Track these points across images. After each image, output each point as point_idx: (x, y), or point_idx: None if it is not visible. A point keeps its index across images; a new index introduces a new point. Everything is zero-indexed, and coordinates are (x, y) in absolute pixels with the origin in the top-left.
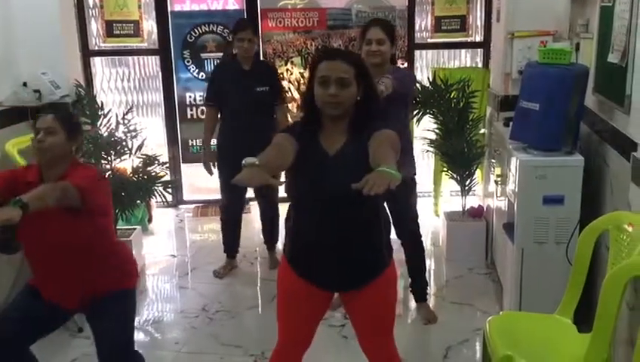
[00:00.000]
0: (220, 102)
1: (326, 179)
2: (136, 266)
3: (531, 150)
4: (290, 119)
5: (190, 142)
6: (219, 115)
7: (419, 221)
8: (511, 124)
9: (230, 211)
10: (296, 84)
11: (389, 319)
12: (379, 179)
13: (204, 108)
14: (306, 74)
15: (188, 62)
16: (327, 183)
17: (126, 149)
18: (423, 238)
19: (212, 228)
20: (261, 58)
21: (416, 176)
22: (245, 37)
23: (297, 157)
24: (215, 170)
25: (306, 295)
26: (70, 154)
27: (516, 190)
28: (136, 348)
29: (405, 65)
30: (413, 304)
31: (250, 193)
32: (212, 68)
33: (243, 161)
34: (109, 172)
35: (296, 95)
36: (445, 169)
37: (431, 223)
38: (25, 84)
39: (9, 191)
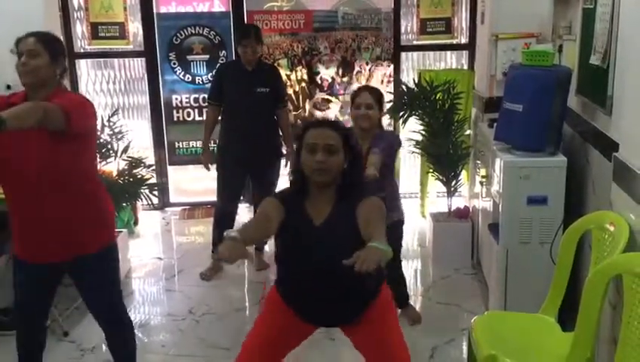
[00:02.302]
0: (221, 101)
1: (313, 250)
2: (114, 215)
3: (515, 151)
4: (291, 120)
5: (176, 145)
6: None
7: (401, 264)
8: (495, 125)
9: (224, 212)
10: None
11: (396, 342)
12: (370, 255)
13: (189, 110)
14: (293, 77)
15: (174, 64)
16: (314, 254)
17: (111, 152)
18: (404, 274)
19: (199, 231)
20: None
21: (404, 221)
22: (248, 44)
23: (283, 226)
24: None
25: (293, 327)
26: (55, 78)
27: (501, 190)
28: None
29: (391, 128)
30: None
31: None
32: (198, 70)
33: (224, 233)
34: None
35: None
36: (431, 170)
37: (417, 224)
38: (9, 87)
39: None
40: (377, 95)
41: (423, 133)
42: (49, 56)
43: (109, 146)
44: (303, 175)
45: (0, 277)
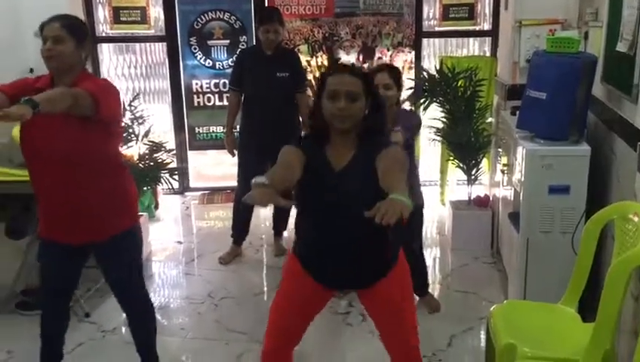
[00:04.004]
0: (242, 86)
1: (333, 195)
2: (137, 196)
3: (538, 139)
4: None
5: (197, 130)
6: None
7: (423, 251)
8: (518, 113)
9: (245, 208)
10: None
11: (408, 315)
12: (391, 207)
13: (210, 95)
14: (313, 62)
15: (195, 49)
16: (334, 199)
17: (133, 136)
18: (426, 260)
19: (218, 216)
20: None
21: (424, 205)
22: (271, 29)
23: (305, 172)
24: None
25: (311, 291)
26: (80, 63)
27: (522, 179)
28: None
29: (412, 108)
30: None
31: None
32: (218, 55)
33: (252, 180)
34: None
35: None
36: (452, 158)
37: (436, 212)
38: (31, 70)
39: (21, 96)
40: (395, 74)
41: (444, 120)
42: (74, 41)
43: (131, 130)
44: (323, 121)
45: (23, 259)
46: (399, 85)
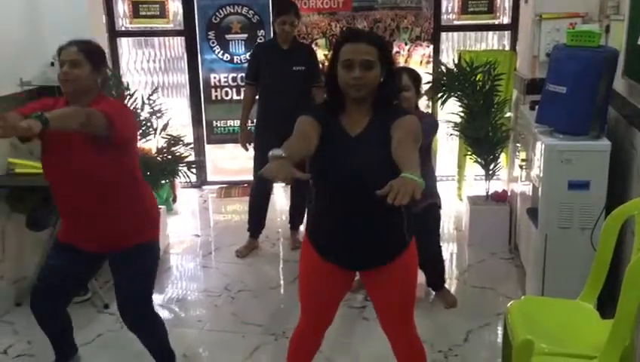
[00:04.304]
0: (258, 81)
1: (348, 161)
2: (159, 213)
3: (557, 134)
4: None
5: (214, 123)
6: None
7: (441, 249)
8: (537, 107)
9: (260, 190)
10: (320, 66)
11: (410, 298)
12: (403, 187)
13: (227, 89)
14: (330, 56)
15: (213, 43)
16: (349, 165)
17: (151, 129)
18: (444, 258)
19: (235, 209)
20: None
21: (440, 205)
22: (288, 20)
23: (320, 140)
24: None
25: (327, 273)
26: (96, 87)
27: (541, 175)
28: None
29: (430, 111)
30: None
31: None
32: (236, 49)
33: (269, 153)
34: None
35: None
36: (469, 153)
37: (454, 207)
38: (52, 64)
39: None
40: (414, 76)
41: (462, 115)
42: (90, 65)
43: (149, 124)
44: (338, 89)
45: (43, 251)
46: (418, 88)
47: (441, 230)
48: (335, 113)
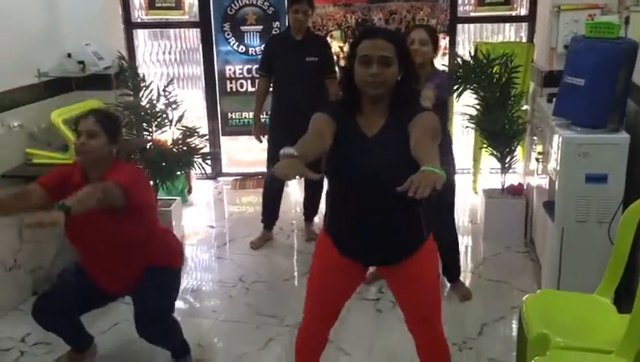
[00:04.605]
0: (271, 72)
1: (364, 162)
2: (182, 249)
3: (575, 127)
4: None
5: (229, 115)
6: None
7: (456, 226)
8: (555, 99)
9: (273, 182)
10: (335, 57)
11: (433, 295)
12: (424, 180)
13: (242, 81)
14: (346, 48)
15: (228, 35)
16: (365, 166)
17: (167, 121)
18: (458, 237)
19: (249, 201)
20: None
21: (455, 171)
22: (300, 9)
23: (335, 139)
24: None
25: (343, 268)
26: (111, 156)
27: (558, 168)
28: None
29: (445, 69)
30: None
31: None
32: (251, 41)
33: (281, 151)
34: (150, 143)
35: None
36: (485, 145)
37: (469, 200)
38: (69, 55)
39: (57, 189)
40: (432, 33)
41: (478, 107)
42: (107, 136)
43: (165, 115)
44: (355, 88)
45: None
46: (435, 45)
47: (455, 223)
48: (351, 112)
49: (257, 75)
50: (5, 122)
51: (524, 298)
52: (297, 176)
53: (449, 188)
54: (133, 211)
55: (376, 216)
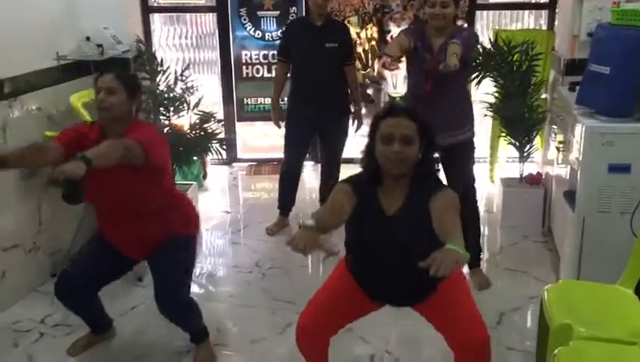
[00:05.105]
0: (290, 57)
1: (381, 240)
2: (197, 216)
3: (599, 116)
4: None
5: (245, 101)
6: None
7: (475, 186)
8: (577, 88)
9: (290, 168)
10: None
11: (465, 312)
12: (447, 259)
13: (259, 67)
14: (362, 34)
15: (244, 20)
16: (383, 243)
17: (184, 106)
18: (478, 204)
19: (265, 187)
20: None
21: (474, 139)
22: None
23: (355, 213)
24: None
25: (361, 297)
26: (130, 114)
27: (580, 157)
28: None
29: (466, 25)
30: (466, 269)
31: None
32: (268, 26)
33: (299, 221)
34: (168, 127)
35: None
36: (504, 134)
37: (485, 189)
38: (88, 39)
39: (75, 148)
40: None
41: (497, 95)
42: (126, 93)
43: (182, 100)
44: (377, 163)
45: (79, 223)
46: (457, 4)
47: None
48: (373, 187)
49: (274, 61)
50: (24, 105)
51: (545, 287)
52: (313, 251)
53: (468, 153)
54: (152, 171)
55: (394, 281)
